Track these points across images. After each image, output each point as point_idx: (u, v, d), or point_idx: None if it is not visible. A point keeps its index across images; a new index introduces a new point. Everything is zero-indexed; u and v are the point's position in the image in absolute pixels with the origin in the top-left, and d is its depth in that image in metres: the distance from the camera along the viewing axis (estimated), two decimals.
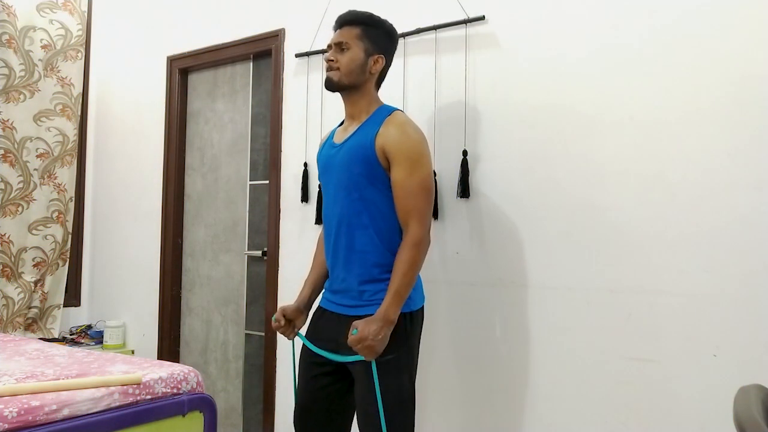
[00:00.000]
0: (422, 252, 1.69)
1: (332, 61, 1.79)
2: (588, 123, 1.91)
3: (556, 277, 1.95)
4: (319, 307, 1.89)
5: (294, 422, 1.86)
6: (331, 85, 1.81)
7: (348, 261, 1.75)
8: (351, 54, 1.78)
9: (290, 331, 1.88)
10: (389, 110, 1.78)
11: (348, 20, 1.81)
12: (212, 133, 3.15)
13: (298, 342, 1.88)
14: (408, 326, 1.72)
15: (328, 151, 1.87)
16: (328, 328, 1.78)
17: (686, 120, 1.75)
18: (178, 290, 3.24)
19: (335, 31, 1.83)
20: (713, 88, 1.71)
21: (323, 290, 1.91)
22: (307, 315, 1.91)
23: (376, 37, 1.81)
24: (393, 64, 2.33)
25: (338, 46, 1.79)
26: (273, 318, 1.87)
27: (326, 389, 1.80)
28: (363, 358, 1.62)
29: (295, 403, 1.86)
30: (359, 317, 1.70)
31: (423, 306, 1.80)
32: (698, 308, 1.71)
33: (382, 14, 2.42)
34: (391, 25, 1.87)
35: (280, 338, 2.64)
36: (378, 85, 1.86)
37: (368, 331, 1.59)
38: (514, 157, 2.04)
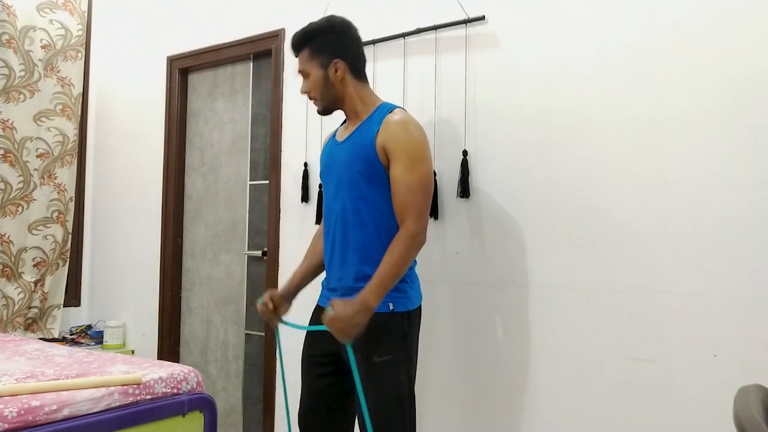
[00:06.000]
0: (415, 247, 1.67)
1: (307, 93, 1.81)
2: (588, 123, 1.91)
3: (556, 277, 1.94)
4: (317, 306, 1.89)
5: (299, 423, 1.86)
6: (322, 114, 1.86)
7: (345, 258, 1.75)
8: (312, 78, 1.78)
9: (275, 317, 1.86)
10: (389, 108, 1.77)
11: (295, 45, 1.80)
12: (212, 133, 3.15)
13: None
14: (406, 326, 1.71)
15: (330, 149, 1.88)
16: None
17: (686, 120, 1.75)
18: (178, 290, 3.24)
19: None
20: (713, 88, 1.71)
21: (321, 288, 1.90)
22: (291, 303, 1.89)
23: (326, 45, 1.76)
24: (393, 64, 2.35)
25: (302, 75, 1.80)
26: (259, 301, 1.84)
27: (329, 389, 1.80)
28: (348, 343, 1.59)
29: (299, 403, 1.86)
30: None
31: (420, 306, 1.80)
32: (698, 308, 1.71)
33: (382, 14, 2.43)
34: (340, 19, 1.80)
35: (280, 337, 2.63)
36: (361, 79, 1.81)
37: (343, 313, 1.56)
38: (514, 157, 2.04)
